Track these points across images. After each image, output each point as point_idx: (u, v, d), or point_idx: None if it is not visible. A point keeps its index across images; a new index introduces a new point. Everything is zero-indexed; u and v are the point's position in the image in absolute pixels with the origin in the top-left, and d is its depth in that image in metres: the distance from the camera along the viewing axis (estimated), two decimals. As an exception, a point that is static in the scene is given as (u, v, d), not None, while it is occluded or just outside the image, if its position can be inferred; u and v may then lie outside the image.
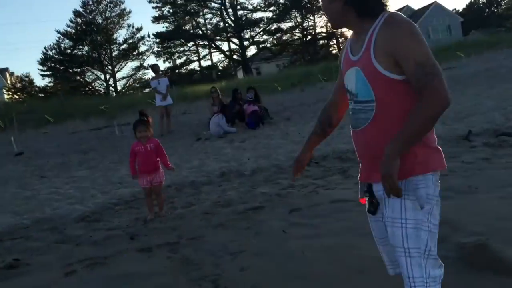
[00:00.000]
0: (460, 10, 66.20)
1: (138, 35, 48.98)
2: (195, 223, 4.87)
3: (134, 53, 48.99)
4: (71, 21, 46.66)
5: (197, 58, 53.33)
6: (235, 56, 52.67)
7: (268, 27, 52.01)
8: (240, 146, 9.16)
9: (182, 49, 51.88)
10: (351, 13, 1.90)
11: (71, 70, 47.02)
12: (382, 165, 1.78)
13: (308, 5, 52.17)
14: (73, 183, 7.70)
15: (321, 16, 53.04)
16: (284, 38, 54.07)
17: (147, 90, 44.19)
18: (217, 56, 59.50)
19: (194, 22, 51.44)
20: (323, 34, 54.32)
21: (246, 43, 51.86)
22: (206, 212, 5.18)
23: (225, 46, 53.10)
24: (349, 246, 3.75)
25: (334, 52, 52.09)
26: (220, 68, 54.06)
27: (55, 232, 5.14)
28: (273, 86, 19.92)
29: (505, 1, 68.10)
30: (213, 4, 50.58)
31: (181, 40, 50.60)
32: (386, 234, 2.07)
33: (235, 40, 51.46)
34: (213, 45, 52.64)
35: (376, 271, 3.23)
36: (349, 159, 6.82)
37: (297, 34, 54.83)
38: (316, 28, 54.54)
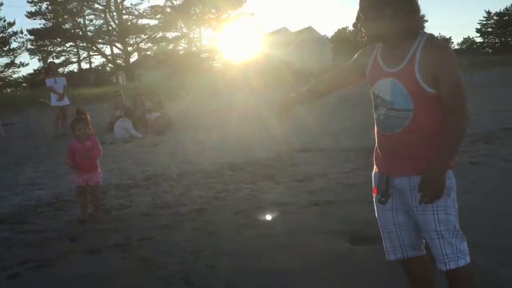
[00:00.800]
0: (329, 36, 70.81)
1: (10, 30, 45.03)
2: (137, 225, 4.74)
3: (5, 48, 44.87)
4: None
5: (76, 59, 50.52)
6: (118, 61, 50.88)
7: (153, 35, 51.15)
8: (154, 151, 9.00)
9: (59, 48, 48.76)
10: (394, 31, 2.10)
11: None
12: (433, 181, 2.04)
13: (194, 17, 52.33)
14: (-30, 184, 6.95)
15: (206, 29, 53.63)
16: (169, 47, 53.50)
17: (8, 90, 40.79)
18: (99, 60, 56.85)
19: (74, 22, 48.66)
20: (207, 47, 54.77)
21: (130, 48, 50.46)
22: (146, 214, 5.06)
23: (107, 50, 51.11)
24: (305, 244, 3.95)
25: (215, 65, 52.58)
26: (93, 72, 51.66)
27: (-26, 234, 4.65)
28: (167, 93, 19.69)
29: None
30: (96, 6, 48.41)
31: (59, 39, 47.55)
32: (391, 222, 2.34)
33: (119, 45, 49.79)
34: (93, 47, 50.28)
35: (338, 264, 3.50)
36: (272, 166, 7.12)
37: (182, 44, 54.69)
38: (202, 40, 54.88)
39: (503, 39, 66.21)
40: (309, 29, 58.11)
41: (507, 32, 66.84)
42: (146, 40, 50.97)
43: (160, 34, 51.75)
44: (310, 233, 4.22)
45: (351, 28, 69.36)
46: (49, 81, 12.03)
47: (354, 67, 2.44)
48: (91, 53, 51.29)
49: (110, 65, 52.44)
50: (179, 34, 53.30)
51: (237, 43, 51.67)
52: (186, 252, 3.93)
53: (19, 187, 6.55)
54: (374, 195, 2.46)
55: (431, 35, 2.11)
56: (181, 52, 53.25)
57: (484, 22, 68.14)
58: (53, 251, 4.12)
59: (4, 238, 4.50)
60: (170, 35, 52.30)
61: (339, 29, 74.62)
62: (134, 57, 51.45)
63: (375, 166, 2.46)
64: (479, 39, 69.22)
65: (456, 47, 73.75)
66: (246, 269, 3.53)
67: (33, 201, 5.77)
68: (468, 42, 72.90)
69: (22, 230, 4.74)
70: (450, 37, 60.75)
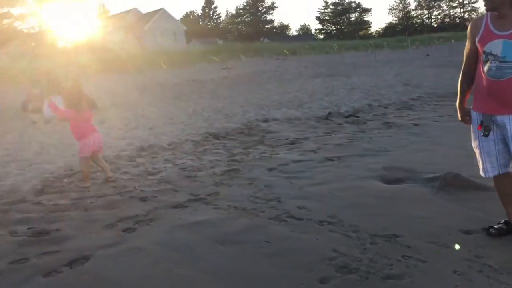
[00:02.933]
0: (178, 19, 70.51)
1: None
2: (189, 185, 5.02)
3: None
4: None
5: None
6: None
7: (-3, 10, 45.90)
8: (111, 127, 8.87)
9: None
10: (508, 4, 3.08)
11: None
12: None
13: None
14: None
15: (54, 7, 49.73)
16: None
17: None
18: None
19: None
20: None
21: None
22: (186, 176, 5.35)
23: None
24: (357, 186, 4.72)
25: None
26: None
27: (25, 202, 4.58)
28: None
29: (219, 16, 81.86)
30: None
31: None
32: (493, 149, 3.31)
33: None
34: None
35: (393, 197, 4.33)
36: (251, 134, 7.73)
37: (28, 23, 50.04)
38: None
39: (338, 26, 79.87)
40: (162, 11, 57.18)
41: (341, 20, 79.81)
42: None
43: (5, 9, 46.70)
44: (350, 179, 5.01)
45: (199, 11, 70.97)
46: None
47: (473, 42, 3.33)
48: None
49: None
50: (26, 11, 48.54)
51: (83, 24, 49.37)
52: (265, 200, 4.41)
53: (10, 164, 6.22)
54: (477, 130, 3.37)
55: None
56: (26, 31, 48.80)
57: (322, 10, 78.07)
58: (138, 209, 4.31)
59: (66, 205, 4.50)
60: (15, 10, 47.37)
61: (187, 13, 75.55)
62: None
63: (476, 108, 3.37)
64: (319, 26, 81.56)
65: (295, 33, 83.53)
66: (333, 206, 4.12)
67: (47, 174, 5.63)
68: (304, 28, 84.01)
69: (71, 198, 4.74)
70: (288, 24, 70.66)
